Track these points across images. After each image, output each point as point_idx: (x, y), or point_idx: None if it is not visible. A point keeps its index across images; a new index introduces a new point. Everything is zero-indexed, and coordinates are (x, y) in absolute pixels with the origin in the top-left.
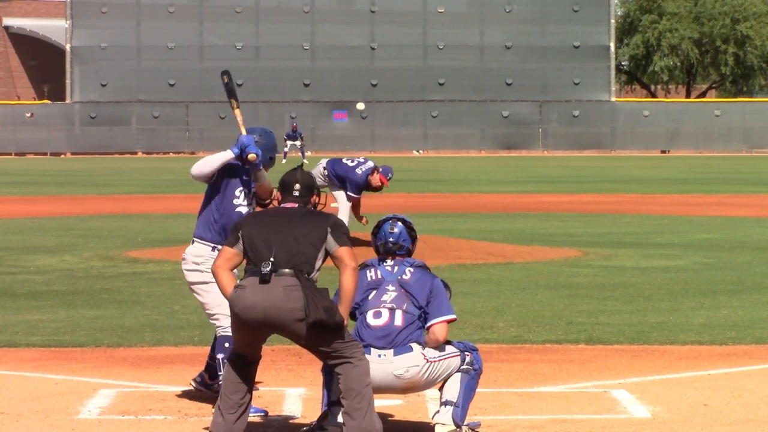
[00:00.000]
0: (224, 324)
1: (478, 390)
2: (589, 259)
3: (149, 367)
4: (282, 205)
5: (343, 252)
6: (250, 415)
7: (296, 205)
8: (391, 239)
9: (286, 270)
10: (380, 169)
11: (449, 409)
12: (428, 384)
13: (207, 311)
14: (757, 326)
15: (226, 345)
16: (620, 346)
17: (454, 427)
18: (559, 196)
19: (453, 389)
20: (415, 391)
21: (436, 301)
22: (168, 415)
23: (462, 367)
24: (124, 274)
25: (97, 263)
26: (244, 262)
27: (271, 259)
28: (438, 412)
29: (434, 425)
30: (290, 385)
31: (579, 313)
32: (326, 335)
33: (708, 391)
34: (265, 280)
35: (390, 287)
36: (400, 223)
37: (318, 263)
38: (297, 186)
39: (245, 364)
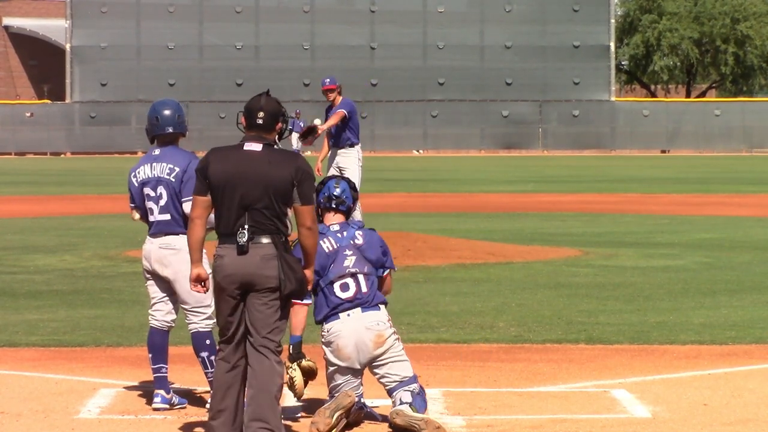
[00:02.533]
0: (197, 319)
1: (478, 389)
2: (589, 258)
3: (149, 367)
4: (246, 142)
5: (305, 211)
6: (177, 406)
7: (260, 147)
8: (335, 192)
9: (264, 240)
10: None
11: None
12: (386, 353)
13: (188, 304)
14: (757, 326)
15: (207, 342)
16: (620, 346)
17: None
18: (559, 196)
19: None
20: (382, 346)
21: (387, 258)
22: (168, 415)
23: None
24: (124, 273)
25: (97, 263)
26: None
27: (246, 226)
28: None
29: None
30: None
31: (579, 312)
32: (289, 301)
33: (708, 391)
34: (243, 251)
35: (348, 252)
36: (344, 182)
37: (289, 212)
38: (261, 114)
39: (234, 351)
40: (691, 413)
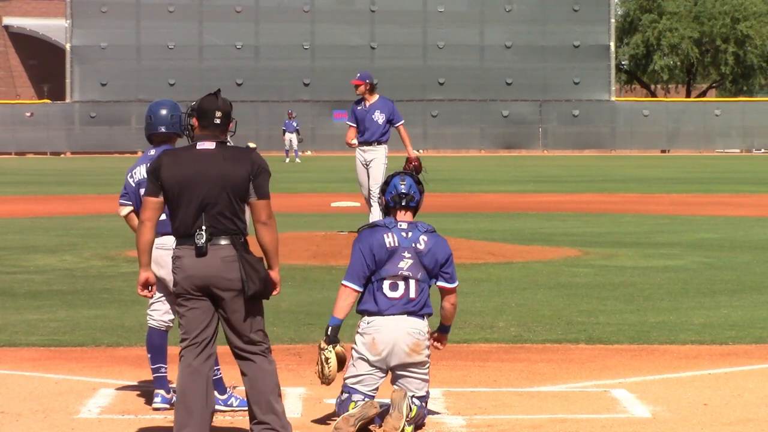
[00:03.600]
0: None
1: (478, 389)
2: (589, 258)
3: (149, 367)
4: (199, 141)
5: (260, 206)
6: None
7: (213, 145)
8: (402, 190)
9: (222, 241)
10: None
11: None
12: (417, 365)
13: None
14: (757, 326)
15: None
16: (620, 346)
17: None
18: (559, 196)
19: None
20: (418, 355)
21: (449, 268)
22: (168, 415)
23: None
24: (124, 273)
25: (96, 263)
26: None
27: (203, 226)
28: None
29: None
30: (290, 385)
31: (579, 312)
32: (258, 302)
33: (708, 391)
34: (202, 253)
35: (406, 254)
36: (408, 177)
37: (247, 210)
38: (218, 114)
39: (196, 356)
40: (691, 413)
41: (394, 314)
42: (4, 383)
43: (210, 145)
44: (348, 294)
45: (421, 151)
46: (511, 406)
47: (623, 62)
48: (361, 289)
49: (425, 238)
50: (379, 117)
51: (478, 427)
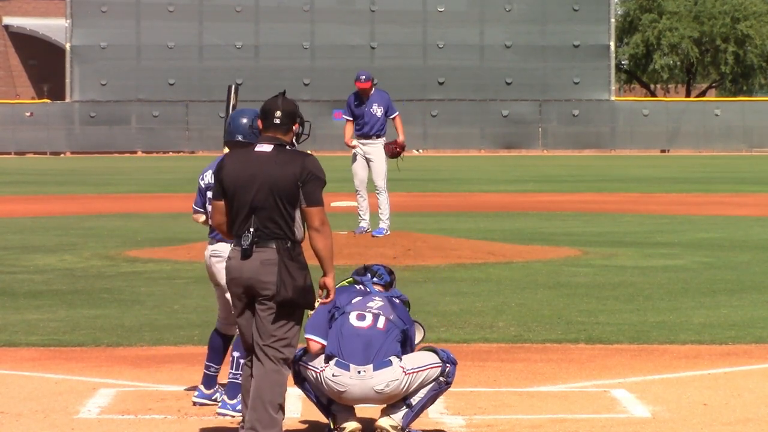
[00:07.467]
0: None
1: (478, 389)
2: (589, 258)
3: (149, 367)
4: (259, 142)
5: (311, 213)
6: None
7: (270, 147)
8: (373, 268)
9: (268, 245)
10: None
11: (405, 410)
12: (407, 392)
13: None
14: (756, 326)
15: None
16: (620, 346)
17: (399, 425)
18: (559, 196)
19: (419, 394)
20: (395, 400)
21: (409, 336)
22: (168, 415)
23: (440, 378)
24: (124, 273)
25: (96, 263)
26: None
27: (251, 229)
28: (393, 405)
29: (382, 410)
30: (290, 385)
31: (579, 312)
32: (293, 311)
33: (708, 391)
34: (246, 255)
35: (377, 298)
36: (382, 268)
37: (298, 216)
38: (278, 114)
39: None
40: (691, 413)
41: (360, 366)
42: (4, 383)
43: (267, 147)
44: (314, 347)
45: (420, 150)
46: (511, 406)
47: (623, 62)
48: (325, 342)
49: (397, 300)
50: (378, 110)
51: (478, 427)
